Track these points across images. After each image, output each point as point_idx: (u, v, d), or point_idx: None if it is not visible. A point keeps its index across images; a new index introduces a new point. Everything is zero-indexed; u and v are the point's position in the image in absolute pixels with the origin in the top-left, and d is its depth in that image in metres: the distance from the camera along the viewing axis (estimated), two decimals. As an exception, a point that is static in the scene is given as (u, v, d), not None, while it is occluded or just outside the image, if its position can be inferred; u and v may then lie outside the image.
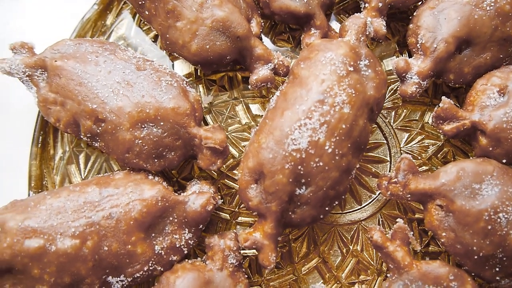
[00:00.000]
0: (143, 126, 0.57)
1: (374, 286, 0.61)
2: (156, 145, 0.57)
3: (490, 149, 0.58)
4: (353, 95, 0.55)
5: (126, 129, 0.56)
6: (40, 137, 0.65)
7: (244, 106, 0.66)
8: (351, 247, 0.62)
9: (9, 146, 0.69)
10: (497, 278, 0.55)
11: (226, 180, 0.64)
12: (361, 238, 0.62)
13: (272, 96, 0.65)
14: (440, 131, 0.60)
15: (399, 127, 0.65)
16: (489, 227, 0.54)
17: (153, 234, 0.56)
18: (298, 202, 0.55)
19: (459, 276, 0.55)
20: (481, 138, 0.59)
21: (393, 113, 0.65)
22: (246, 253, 0.62)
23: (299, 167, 0.54)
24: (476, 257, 0.55)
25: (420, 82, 0.60)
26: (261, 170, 0.55)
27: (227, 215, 0.63)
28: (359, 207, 0.63)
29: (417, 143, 0.64)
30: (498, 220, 0.54)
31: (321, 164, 0.54)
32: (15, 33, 0.73)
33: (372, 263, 0.62)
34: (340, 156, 0.54)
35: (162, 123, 0.57)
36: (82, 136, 0.60)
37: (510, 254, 0.54)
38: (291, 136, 0.54)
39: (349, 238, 0.62)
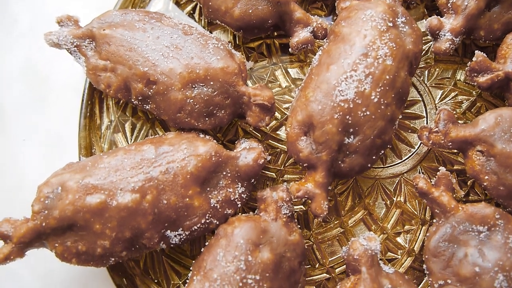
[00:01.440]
0: (193, 86, 0.59)
1: (419, 235, 0.63)
2: (207, 104, 0.59)
3: (524, 97, 0.61)
4: (394, 48, 0.58)
5: (178, 89, 0.59)
6: (88, 107, 0.67)
7: (284, 71, 0.69)
8: (394, 198, 0.64)
9: (56, 119, 0.72)
10: (540, 217, 0.58)
11: (270, 141, 0.66)
12: (403, 190, 0.64)
13: (310, 60, 0.68)
14: (475, 84, 0.63)
15: (433, 85, 0.67)
16: (530, 167, 0.57)
17: (208, 188, 0.58)
18: (347, 151, 0.58)
19: (504, 215, 0.57)
20: (514, 88, 0.62)
21: (426, 72, 0.68)
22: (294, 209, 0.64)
23: (347, 116, 0.56)
24: (519, 197, 0.58)
25: (453, 38, 0.63)
26: (310, 122, 0.58)
27: (273, 174, 0.66)
28: (400, 161, 0.65)
29: (451, 99, 0.67)
30: (538, 160, 0.57)
31: (368, 113, 0.56)
32: (55, 11, 0.76)
33: (416, 213, 0.64)
34: (385, 105, 0.57)
35: (212, 83, 0.59)
36: (133, 100, 0.62)
37: (553, 191, 0.57)
38: (338, 87, 0.57)
39: (392, 190, 0.65)
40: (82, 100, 0.68)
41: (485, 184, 0.59)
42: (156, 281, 0.64)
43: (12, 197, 0.69)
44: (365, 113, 0.56)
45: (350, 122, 0.56)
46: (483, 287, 0.54)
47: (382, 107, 0.57)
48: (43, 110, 0.72)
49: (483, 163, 0.59)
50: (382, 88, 0.57)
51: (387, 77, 0.57)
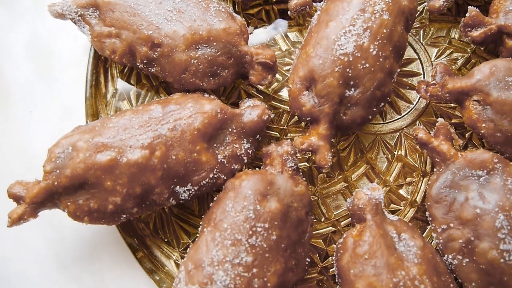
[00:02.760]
0: (197, 47, 0.61)
1: (420, 186, 0.65)
2: (211, 64, 0.61)
3: (517, 48, 0.63)
4: (390, 4, 0.60)
5: (182, 50, 0.60)
6: (93, 75, 0.69)
7: (283, 35, 0.70)
8: (395, 152, 0.66)
9: (62, 91, 0.73)
10: (537, 160, 0.60)
11: (272, 102, 0.68)
12: (404, 144, 0.66)
13: (308, 24, 0.70)
14: (469, 39, 0.65)
15: (428, 43, 0.70)
16: (525, 112, 0.59)
17: (215, 144, 0.60)
18: (348, 103, 0.59)
19: (502, 159, 0.59)
20: (507, 40, 0.64)
21: (421, 31, 0.70)
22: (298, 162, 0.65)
23: (348, 69, 0.58)
24: (515, 142, 0.60)
25: (447, -5, 0.66)
26: (312, 77, 0.59)
27: (277, 133, 0.67)
28: (399, 116, 0.67)
29: (446, 56, 0.69)
30: (533, 106, 0.59)
31: (367, 65, 0.58)
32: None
33: (417, 165, 0.66)
34: (384, 58, 0.59)
35: (215, 43, 0.61)
36: (138, 64, 0.63)
37: (548, 135, 0.59)
38: (338, 42, 0.59)
39: (392, 144, 0.66)
40: (87, 70, 0.69)
41: (482, 132, 0.61)
42: (166, 240, 0.65)
43: (22, 166, 0.70)
44: (364, 66, 0.58)
45: (350, 75, 0.58)
46: (484, 227, 0.56)
47: (381, 59, 0.59)
48: (49, 83, 0.73)
49: (480, 112, 0.61)
50: (380, 41, 0.59)
51: (385, 30, 0.59)
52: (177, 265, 0.64)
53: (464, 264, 0.57)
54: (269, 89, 0.69)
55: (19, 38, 0.75)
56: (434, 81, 0.63)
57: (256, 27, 0.71)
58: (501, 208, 0.56)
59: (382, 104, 0.61)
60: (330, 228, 0.65)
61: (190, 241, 0.65)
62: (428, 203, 0.60)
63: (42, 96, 0.73)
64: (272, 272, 0.54)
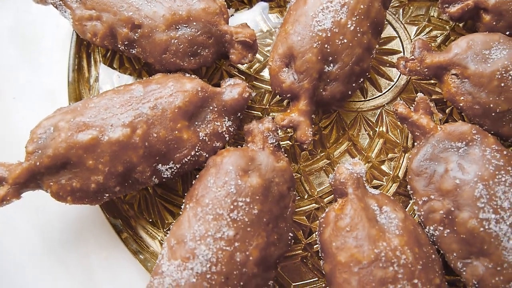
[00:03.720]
0: (177, 27, 0.61)
1: (402, 161, 0.66)
2: (191, 43, 0.61)
3: (494, 23, 0.64)
4: (367, -20, 0.61)
5: (162, 30, 0.61)
6: (76, 60, 0.69)
7: (264, 16, 0.71)
8: (377, 129, 0.67)
9: (45, 77, 0.73)
10: (514, 132, 0.61)
11: (254, 82, 0.69)
12: (385, 121, 0.67)
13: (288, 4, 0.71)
14: (447, 15, 0.66)
15: (408, 22, 0.70)
16: (502, 84, 0.59)
17: (196, 123, 0.60)
18: (327, 79, 0.60)
19: (481, 130, 0.60)
20: (484, 15, 0.64)
21: (401, 10, 0.71)
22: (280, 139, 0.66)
23: (326, 45, 0.59)
24: (493, 114, 0.60)
25: (424, -27, 0.66)
26: (291, 54, 0.60)
27: (259, 113, 0.68)
28: (380, 93, 0.68)
29: (425, 34, 0.70)
30: (509, 77, 0.59)
31: (345, 41, 0.59)
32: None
33: (398, 141, 0.66)
34: (362, 33, 0.60)
35: (194, 23, 0.61)
36: (119, 46, 0.64)
37: (524, 107, 0.59)
38: (316, 18, 0.59)
39: (374, 121, 0.67)
40: (70, 54, 0.70)
41: (461, 105, 0.61)
42: (150, 221, 0.65)
43: (6, 151, 0.70)
44: (342, 41, 0.59)
45: (329, 50, 0.59)
46: (464, 197, 0.57)
47: (359, 35, 0.59)
48: (32, 70, 0.74)
49: (458, 85, 0.61)
50: (357, 17, 0.59)
51: (362, 6, 0.60)
52: (162, 245, 0.64)
53: (445, 234, 0.58)
54: (251, 69, 0.69)
55: (2, 24, 0.75)
56: (412, 57, 0.63)
57: (237, 9, 0.72)
58: (480, 178, 0.57)
59: (362, 79, 0.61)
60: (314, 205, 0.65)
61: (174, 221, 0.65)
62: (409, 176, 0.60)
63: (26, 81, 0.73)
64: (254, 246, 0.55)
